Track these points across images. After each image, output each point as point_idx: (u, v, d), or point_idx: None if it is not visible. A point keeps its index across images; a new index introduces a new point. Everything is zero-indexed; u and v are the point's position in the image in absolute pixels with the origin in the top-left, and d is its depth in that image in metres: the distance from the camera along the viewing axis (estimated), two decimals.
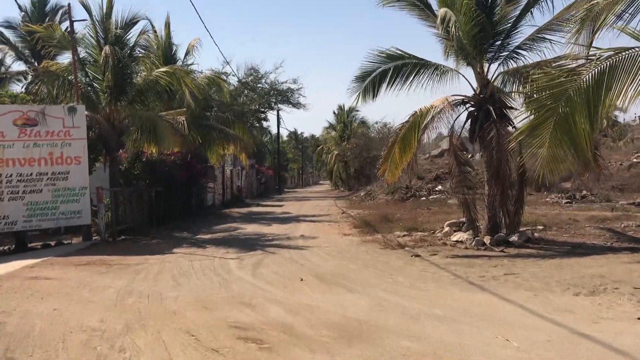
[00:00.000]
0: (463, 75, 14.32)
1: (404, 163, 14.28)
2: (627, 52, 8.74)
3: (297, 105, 47.50)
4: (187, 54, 27.06)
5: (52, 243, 15.59)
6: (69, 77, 17.85)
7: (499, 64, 13.93)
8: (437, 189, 28.58)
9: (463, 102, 14.06)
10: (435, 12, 13.94)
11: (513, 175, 13.55)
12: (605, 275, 9.02)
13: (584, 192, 23.51)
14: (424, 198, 27.10)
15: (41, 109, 15.27)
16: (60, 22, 26.87)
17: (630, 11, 8.91)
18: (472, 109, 13.99)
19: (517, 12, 13.55)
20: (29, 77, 27.88)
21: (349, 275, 9.98)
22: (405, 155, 14.09)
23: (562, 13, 12.49)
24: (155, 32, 24.98)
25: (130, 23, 18.87)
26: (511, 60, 13.80)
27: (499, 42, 13.77)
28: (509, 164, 13.19)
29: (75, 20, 17.90)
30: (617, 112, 32.33)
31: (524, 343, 5.75)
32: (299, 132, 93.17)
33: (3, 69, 30.60)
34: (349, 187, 53.97)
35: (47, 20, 27.57)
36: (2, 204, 14.55)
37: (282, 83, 45.83)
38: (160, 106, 21.68)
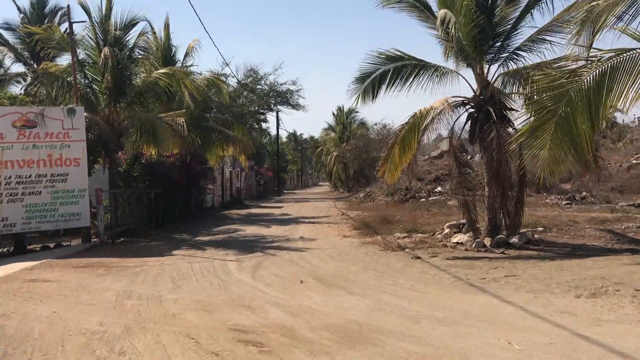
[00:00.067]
0: (463, 77, 14.33)
1: (404, 164, 14.27)
2: (628, 53, 8.72)
3: (296, 106, 47.55)
4: (186, 55, 27.04)
5: (51, 245, 15.55)
6: (68, 79, 17.80)
7: (499, 65, 13.94)
8: (436, 190, 28.57)
9: (463, 104, 14.05)
10: (435, 13, 13.94)
11: (513, 176, 13.53)
12: (606, 277, 8.99)
13: (584, 193, 23.51)
14: (423, 199, 27.08)
15: (40, 111, 15.24)
16: (59, 24, 26.93)
17: (630, 12, 8.89)
18: (472, 110, 13.97)
19: (517, 14, 13.55)
20: (28, 79, 27.87)
21: (349, 277, 9.95)
22: (405, 157, 14.07)
23: (562, 14, 12.48)
24: (154, 33, 24.97)
25: (130, 24, 18.82)
26: (511, 62, 13.80)
27: (499, 44, 13.76)
28: (509, 165, 13.17)
29: (75, 22, 17.85)
30: (616, 114, 32.34)
31: (525, 345, 5.72)
32: (298, 134, 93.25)
33: (2, 70, 30.59)
34: (348, 188, 53.99)
35: (46, 21, 27.56)
36: (1, 206, 14.51)
37: (282, 84, 45.88)
38: (159, 108, 21.64)
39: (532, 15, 13.50)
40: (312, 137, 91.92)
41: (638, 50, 8.79)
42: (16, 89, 28.42)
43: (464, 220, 14.44)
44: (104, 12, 18.34)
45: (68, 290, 9.07)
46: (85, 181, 15.67)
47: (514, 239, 12.93)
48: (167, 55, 25.77)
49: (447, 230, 14.90)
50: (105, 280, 10.00)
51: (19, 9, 31.22)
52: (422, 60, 14.47)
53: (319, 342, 6.02)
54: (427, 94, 14.63)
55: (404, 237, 15.27)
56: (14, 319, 7.13)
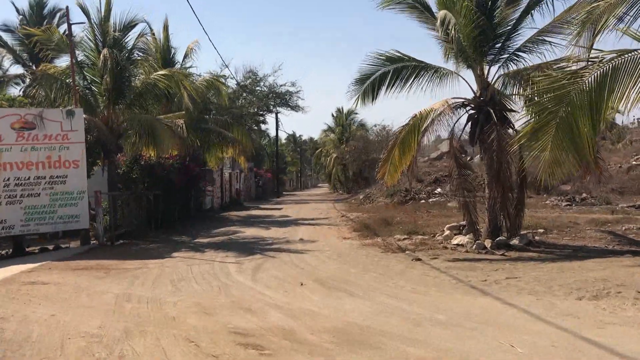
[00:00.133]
0: (463, 78, 14.31)
1: (404, 166, 14.25)
2: (629, 54, 8.69)
3: (295, 108, 47.53)
4: (185, 56, 27.02)
5: (50, 247, 15.50)
6: (67, 80, 17.75)
7: (499, 67, 13.91)
8: (436, 191, 28.55)
9: (463, 105, 14.02)
10: (435, 14, 13.92)
11: (513, 178, 13.50)
12: (608, 278, 8.95)
13: (584, 194, 23.49)
14: (423, 201, 27.05)
15: (39, 113, 15.19)
16: (58, 25, 26.89)
17: (631, 13, 8.88)
18: (473, 111, 13.94)
19: (517, 15, 13.53)
20: (27, 81, 27.83)
21: (350, 280, 9.92)
22: (404, 158, 14.04)
23: (562, 15, 12.46)
24: (153, 34, 24.93)
25: (129, 26, 18.78)
26: (511, 63, 13.78)
27: (499, 45, 13.73)
28: (510, 166, 13.15)
29: (73, 23, 17.82)
30: (612, 114, 32.32)
31: (528, 348, 5.69)
32: (297, 135, 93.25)
33: (1, 72, 30.53)
34: (347, 189, 54.00)
35: (45, 23, 27.48)
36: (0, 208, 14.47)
37: (281, 86, 45.86)
38: (158, 109, 21.62)
39: (532, 16, 13.49)
40: (311, 139, 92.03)
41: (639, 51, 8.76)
42: (15, 91, 28.41)
43: (464, 222, 14.40)
44: (102, 13, 18.30)
45: (67, 292, 9.02)
46: (84, 183, 15.62)
47: (515, 241, 12.90)
48: (166, 56, 25.74)
49: (447, 232, 14.86)
50: (104, 282, 9.96)
51: (17, 10, 31.23)
52: (422, 62, 14.45)
53: (320, 345, 5.98)
54: (427, 96, 14.65)
55: (404, 238, 15.24)
56: (13, 322, 7.07)
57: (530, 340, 5.93)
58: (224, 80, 33.94)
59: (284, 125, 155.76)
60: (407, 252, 13.08)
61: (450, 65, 14.45)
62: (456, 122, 14.03)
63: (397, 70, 14.45)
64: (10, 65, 30.95)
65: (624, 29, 8.82)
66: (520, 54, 13.65)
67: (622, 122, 39.51)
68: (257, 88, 44.87)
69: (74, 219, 15.43)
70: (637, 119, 41.54)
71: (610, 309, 7.18)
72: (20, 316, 7.38)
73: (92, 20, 18.28)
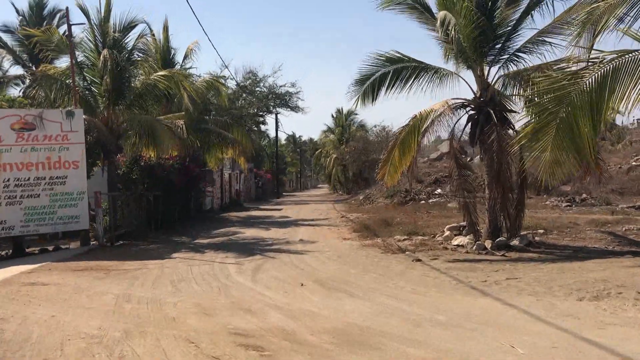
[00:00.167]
0: (463, 79, 14.30)
1: (404, 166, 14.24)
2: (630, 54, 8.69)
3: (295, 108, 47.50)
4: (185, 57, 27.01)
5: (50, 248, 15.50)
6: (67, 81, 17.75)
7: (500, 67, 13.89)
8: (436, 192, 28.54)
9: (463, 106, 14.01)
10: (435, 15, 13.90)
11: (513, 178, 13.49)
12: (608, 279, 8.94)
13: (584, 195, 23.48)
14: (423, 201, 27.04)
15: (39, 113, 15.18)
16: (58, 26, 26.84)
17: (632, 14, 8.87)
18: (473, 112, 13.93)
19: (517, 15, 13.51)
20: (27, 81, 27.79)
21: (350, 280, 9.91)
22: (405, 159, 14.04)
23: (562, 16, 12.44)
24: (153, 35, 24.92)
25: (129, 27, 18.77)
26: (512, 63, 13.76)
27: (499, 45, 13.71)
28: (510, 167, 13.14)
29: (73, 24, 17.80)
30: (612, 115, 32.32)
31: (528, 349, 5.68)
32: (297, 136, 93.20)
33: (1, 73, 30.51)
34: (347, 190, 54.00)
35: (44, 24, 27.44)
36: None
37: (281, 87, 45.83)
38: (158, 110, 21.62)
39: (532, 17, 13.48)
40: (311, 139, 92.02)
41: None
42: (15, 92, 28.35)
43: (464, 223, 14.39)
44: (102, 14, 18.29)
45: (67, 293, 9.02)
46: (84, 184, 15.61)
47: (515, 242, 12.89)
48: (166, 57, 25.74)
49: (447, 233, 14.85)
50: (104, 283, 9.95)
51: (17, 11, 31.19)
52: (422, 62, 14.44)
53: (320, 346, 5.97)
54: (427, 96, 14.63)
55: (404, 239, 15.22)
56: (13, 323, 7.07)
57: (530, 341, 5.92)
58: (223, 81, 33.98)
59: (284, 126, 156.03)
60: (407, 252, 13.07)
61: (450, 65, 14.47)
62: (456, 122, 14.05)
63: (397, 71, 14.44)
64: (10, 66, 30.95)
65: (625, 29, 8.82)
66: (520, 54, 13.64)
67: (622, 123, 39.53)
68: (257, 89, 44.86)
69: (73, 219, 15.42)
70: (637, 119, 41.54)
71: (610, 309, 7.17)
72: (20, 317, 7.37)
73: (92, 21, 18.30)
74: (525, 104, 12.86)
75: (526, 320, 6.86)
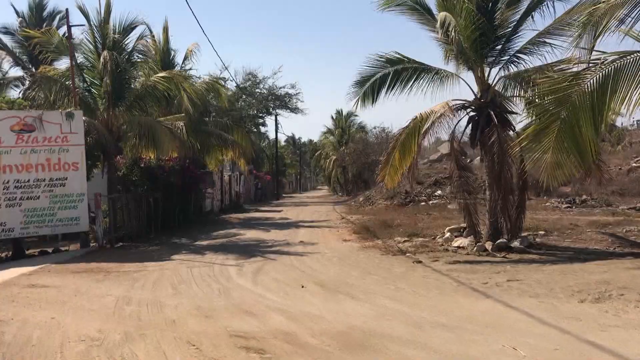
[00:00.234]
0: (464, 80, 14.27)
1: (404, 168, 14.20)
2: (631, 56, 8.66)
3: (295, 110, 47.49)
4: (185, 59, 26.97)
5: (50, 250, 15.46)
6: (67, 83, 17.74)
7: (500, 68, 13.86)
8: (436, 193, 28.51)
9: (464, 107, 13.99)
10: (435, 16, 13.88)
11: (514, 180, 13.46)
12: (609, 281, 8.91)
13: (584, 196, 23.45)
14: (423, 203, 27.01)
15: (38, 115, 15.16)
16: (58, 27, 26.79)
17: (633, 15, 8.84)
18: (473, 113, 13.91)
19: (518, 16, 13.48)
20: (27, 83, 27.72)
21: (351, 282, 9.88)
22: (405, 160, 14.01)
23: (563, 17, 12.44)
24: (153, 37, 24.87)
25: (129, 28, 18.76)
26: (512, 65, 13.72)
27: (499, 47, 13.69)
28: (511, 169, 13.11)
29: (73, 25, 17.79)
30: (613, 116, 32.27)
31: (531, 351, 5.65)
32: (296, 137, 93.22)
33: (0, 74, 30.46)
34: (347, 192, 54.00)
35: (44, 25, 27.39)
36: None
37: (280, 88, 45.82)
38: (158, 111, 21.59)
39: (532, 18, 13.45)
40: (310, 141, 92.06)
41: None
42: (14, 93, 28.28)
43: (464, 224, 14.37)
44: (102, 15, 18.27)
45: (67, 295, 8.99)
46: (84, 185, 15.59)
47: (516, 243, 12.85)
48: (166, 59, 25.70)
49: (448, 234, 14.82)
50: (104, 285, 9.92)
51: (17, 12, 31.11)
52: (423, 64, 14.43)
53: (322, 349, 5.94)
54: (427, 98, 14.56)
55: (405, 241, 15.19)
56: (13, 325, 7.05)
57: (533, 344, 5.89)
58: (223, 83, 33.98)
59: (284, 127, 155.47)
60: (407, 254, 13.05)
61: (450, 67, 14.45)
62: (457, 124, 14.02)
63: (397, 72, 14.42)
64: (10, 68, 30.86)
65: (626, 30, 8.80)
66: (520, 55, 13.61)
67: (622, 124, 39.48)
68: (257, 90, 44.85)
69: (73, 221, 15.40)
70: (637, 121, 41.52)
71: (613, 311, 7.15)
72: (20, 319, 7.35)
73: (92, 23, 18.28)
74: (526, 105, 12.86)
75: (528, 323, 6.83)
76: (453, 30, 12.79)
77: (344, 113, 62.17)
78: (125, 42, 18.97)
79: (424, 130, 13.44)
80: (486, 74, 13.91)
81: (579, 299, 7.88)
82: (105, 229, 16.34)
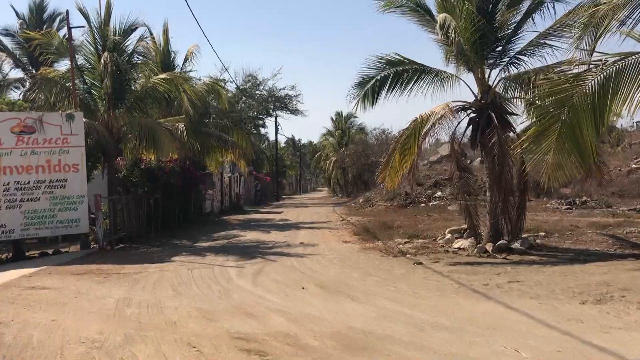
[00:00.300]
0: (464, 81, 14.27)
1: (404, 169, 14.18)
2: (633, 57, 8.65)
3: (295, 111, 47.44)
4: (185, 60, 27.00)
5: (50, 251, 15.45)
6: (67, 84, 17.75)
7: (500, 70, 13.86)
8: (436, 195, 28.49)
9: (464, 108, 13.98)
10: (436, 17, 13.87)
11: (515, 181, 13.45)
12: (610, 282, 8.91)
13: (584, 198, 23.43)
14: (423, 204, 26.99)
15: (39, 116, 15.16)
16: (58, 29, 26.83)
17: (634, 17, 8.83)
18: (473, 115, 13.90)
19: (518, 18, 13.49)
20: (27, 84, 27.73)
21: (351, 284, 9.86)
22: (405, 162, 14.00)
23: (563, 19, 12.44)
24: (153, 38, 24.88)
25: (129, 30, 18.78)
26: (512, 66, 13.71)
27: (500, 48, 13.69)
28: (511, 170, 13.11)
29: (74, 27, 17.80)
30: (614, 118, 32.22)
31: (532, 353, 5.64)
32: (296, 139, 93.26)
33: (1, 76, 30.45)
34: (347, 193, 53.96)
35: (45, 27, 27.42)
36: None
37: (280, 90, 45.79)
38: (158, 113, 21.59)
39: (533, 19, 13.47)
40: (310, 142, 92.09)
41: None
42: (15, 95, 28.27)
43: (465, 226, 14.35)
44: (102, 17, 18.29)
45: (67, 297, 8.98)
46: (84, 187, 15.59)
47: (516, 244, 12.84)
48: (166, 60, 25.72)
49: (448, 236, 14.81)
50: (104, 287, 9.91)
51: (17, 14, 31.11)
52: (423, 65, 14.43)
53: (323, 351, 5.93)
54: (427, 99, 14.56)
55: (405, 242, 15.19)
56: (13, 327, 7.03)
57: (535, 345, 5.88)
58: (223, 84, 33.99)
59: (284, 129, 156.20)
60: (408, 256, 13.03)
61: (451, 68, 14.46)
62: (457, 125, 14.00)
63: (397, 74, 14.42)
64: (10, 69, 30.83)
65: (627, 31, 8.79)
66: (521, 57, 13.60)
67: (621, 126, 39.49)
68: (257, 92, 44.84)
69: (73, 223, 15.39)
70: (637, 122, 41.51)
71: (614, 313, 7.14)
72: (20, 321, 7.34)
73: (92, 24, 18.31)
74: (527, 107, 12.86)
75: (529, 324, 6.82)
76: (453, 32, 12.80)
77: (344, 114, 62.22)
78: (126, 44, 19.01)
79: (424, 131, 13.43)
80: (486, 76, 13.91)
81: (580, 301, 7.87)
82: (105, 230, 16.33)
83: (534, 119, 10.86)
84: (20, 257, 14.65)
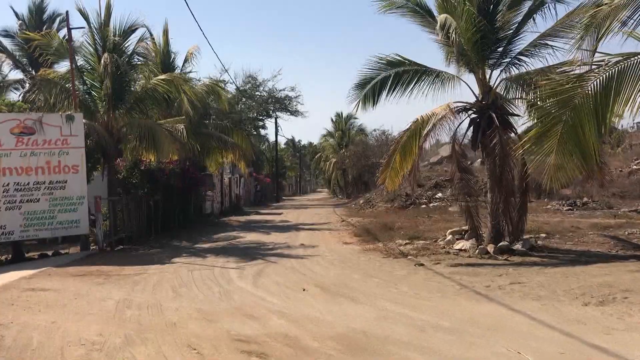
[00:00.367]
0: (465, 82, 14.24)
1: (405, 170, 14.14)
2: (635, 57, 8.62)
3: (295, 112, 47.43)
4: (185, 61, 26.98)
5: (50, 253, 15.43)
6: (67, 85, 17.73)
7: (501, 71, 13.82)
8: (437, 196, 28.44)
9: (465, 109, 13.94)
10: (437, 18, 13.83)
11: (516, 182, 13.41)
12: (613, 284, 8.87)
13: (585, 199, 23.39)
14: (424, 206, 26.96)
15: (38, 118, 15.14)
16: (58, 30, 26.77)
17: (635, 18, 8.81)
18: (474, 115, 13.86)
19: (519, 19, 13.45)
20: (27, 85, 27.71)
21: (352, 285, 9.83)
22: (406, 163, 13.96)
23: (564, 19, 12.42)
24: (153, 39, 24.85)
25: (129, 31, 18.77)
26: (513, 67, 13.68)
27: (501, 49, 13.65)
28: (512, 171, 13.07)
29: (73, 28, 17.77)
30: (615, 119, 32.13)
31: (535, 355, 5.60)
32: (296, 140, 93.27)
33: (0, 77, 30.43)
34: (347, 194, 53.92)
35: (44, 28, 27.39)
36: None
37: (280, 91, 45.78)
38: (158, 114, 21.58)
39: (534, 20, 13.42)
40: (310, 143, 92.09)
41: None
42: (14, 96, 28.24)
43: (466, 227, 14.31)
44: (102, 18, 18.28)
45: (67, 299, 8.94)
46: (84, 188, 15.55)
47: (517, 246, 12.80)
48: (166, 61, 25.71)
49: (449, 237, 14.77)
50: (104, 288, 9.87)
51: (17, 15, 31.08)
52: (424, 66, 14.39)
53: (324, 353, 5.89)
54: (428, 100, 14.52)
55: (406, 243, 15.15)
56: (13, 329, 6.99)
57: (537, 347, 5.85)
58: (223, 85, 33.96)
59: (283, 130, 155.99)
60: (409, 257, 13.00)
61: (451, 69, 14.42)
62: (458, 126, 13.97)
63: (398, 75, 14.38)
64: (10, 71, 30.81)
65: (629, 31, 8.76)
66: (522, 58, 13.57)
67: (622, 127, 39.43)
68: (257, 93, 44.83)
69: (73, 224, 15.36)
70: (637, 122, 41.44)
71: (617, 315, 7.10)
72: (20, 323, 7.30)
73: (92, 25, 18.32)
74: (528, 107, 12.82)
75: (531, 326, 6.78)
76: (454, 32, 12.77)
77: (344, 115, 62.14)
78: (126, 45, 19.00)
79: (425, 132, 13.38)
80: (487, 76, 13.88)
81: (582, 302, 7.83)
82: (105, 231, 16.31)
83: (536, 120, 10.83)
84: (20, 259, 14.62)
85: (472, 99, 14.04)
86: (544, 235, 15.03)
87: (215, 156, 28.02)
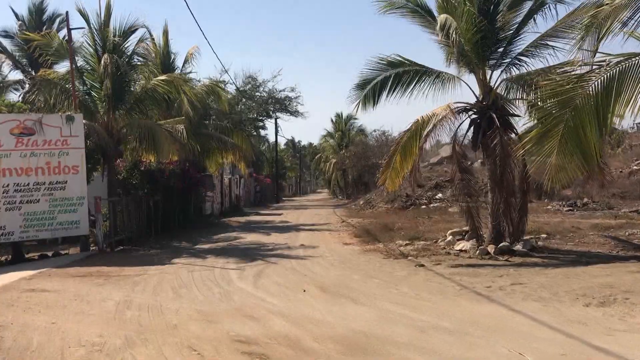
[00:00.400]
0: (465, 82, 14.23)
1: (405, 171, 14.13)
2: (636, 58, 8.61)
3: (295, 113, 47.40)
4: (185, 62, 26.99)
5: (50, 254, 15.40)
6: (67, 86, 17.71)
7: (502, 71, 13.82)
8: (437, 197, 28.42)
9: (465, 110, 13.94)
10: (437, 18, 13.82)
11: (516, 182, 13.40)
12: (614, 285, 8.86)
13: (586, 199, 23.38)
14: (424, 206, 26.94)
15: (38, 118, 15.11)
16: (58, 31, 26.75)
17: (636, 18, 8.80)
18: (475, 116, 13.85)
19: (520, 19, 13.45)
20: (26, 86, 27.69)
21: (352, 286, 9.81)
22: (406, 163, 13.95)
23: (565, 20, 12.42)
24: (153, 40, 24.85)
25: (129, 31, 18.74)
26: (514, 67, 13.68)
27: (501, 49, 13.65)
28: (513, 171, 13.06)
29: (73, 29, 17.74)
30: (616, 119, 32.13)
31: (537, 356, 5.59)
32: (296, 140, 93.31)
33: (0, 77, 30.41)
34: (347, 195, 53.89)
35: (44, 28, 27.36)
36: None
37: (280, 91, 45.76)
38: (158, 114, 21.56)
39: (534, 20, 13.42)
40: (310, 144, 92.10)
41: None
42: (14, 97, 28.22)
43: (466, 227, 14.30)
44: (102, 18, 18.25)
45: (67, 300, 8.92)
46: (84, 189, 15.52)
47: (518, 246, 12.80)
48: (166, 62, 25.71)
49: (449, 238, 14.76)
50: (104, 289, 9.85)
51: (17, 15, 31.07)
52: (424, 66, 14.39)
53: (325, 354, 5.88)
54: (428, 101, 14.53)
55: (406, 244, 15.13)
56: (12, 330, 6.97)
57: (539, 348, 5.83)
58: (223, 86, 33.94)
59: (283, 130, 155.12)
60: (409, 258, 12.98)
61: (452, 69, 14.42)
62: (458, 127, 13.96)
63: (398, 75, 14.38)
64: (10, 71, 30.81)
65: (630, 32, 8.75)
66: (522, 58, 13.57)
67: (622, 127, 39.43)
68: (257, 93, 44.80)
69: (73, 225, 15.33)
70: (637, 123, 41.43)
71: (618, 315, 7.09)
72: (19, 324, 7.28)
73: (92, 26, 18.29)
74: (528, 108, 12.81)
75: (532, 327, 6.77)
76: (454, 33, 12.75)
77: (344, 116, 62.08)
78: (126, 45, 18.96)
79: (425, 133, 13.37)
80: (488, 77, 13.88)
81: (583, 303, 7.82)
82: (105, 232, 16.28)
83: (536, 121, 10.82)
84: (20, 260, 14.60)
85: (473, 100, 14.05)
86: (544, 235, 15.02)
87: (215, 157, 28.02)
